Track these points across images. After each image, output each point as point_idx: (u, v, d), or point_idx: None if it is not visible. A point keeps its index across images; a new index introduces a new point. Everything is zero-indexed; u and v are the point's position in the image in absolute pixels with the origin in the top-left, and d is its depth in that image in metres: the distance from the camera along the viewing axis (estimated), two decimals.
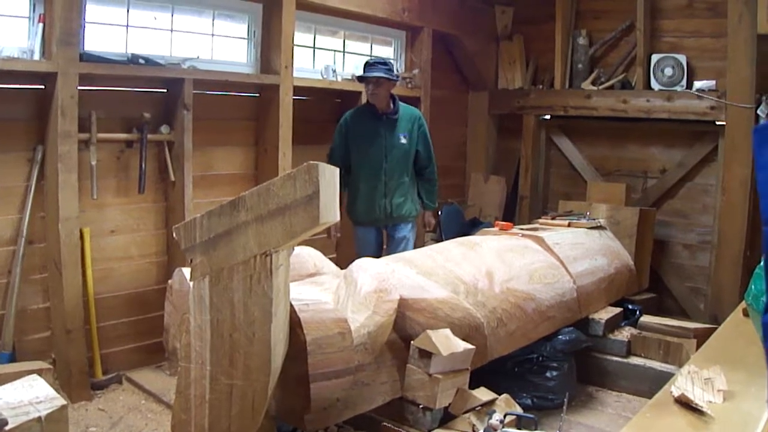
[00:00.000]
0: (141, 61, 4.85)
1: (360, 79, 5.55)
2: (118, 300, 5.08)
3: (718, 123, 6.46)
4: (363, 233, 5.74)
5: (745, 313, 4.21)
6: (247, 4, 5.69)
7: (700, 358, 3.51)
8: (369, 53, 6.96)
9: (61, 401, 2.95)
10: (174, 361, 3.42)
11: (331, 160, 5.41)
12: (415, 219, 5.83)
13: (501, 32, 7.97)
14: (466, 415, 3.53)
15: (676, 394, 2.94)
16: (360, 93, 6.12)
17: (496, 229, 5.71)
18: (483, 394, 3.66)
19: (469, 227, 7.19)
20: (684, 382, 3.07)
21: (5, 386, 2.99)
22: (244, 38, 5.80)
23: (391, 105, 5.58)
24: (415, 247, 5.57)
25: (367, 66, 5.50)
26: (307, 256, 4.17)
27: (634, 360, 5.03)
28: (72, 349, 4.56)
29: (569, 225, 5.90)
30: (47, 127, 4.52)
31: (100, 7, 4.89)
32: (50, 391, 3.00)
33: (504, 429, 3.31)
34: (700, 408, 2.83)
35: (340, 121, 5.65)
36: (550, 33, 7.46)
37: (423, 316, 3.69)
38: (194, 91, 5.08)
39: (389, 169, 5.54)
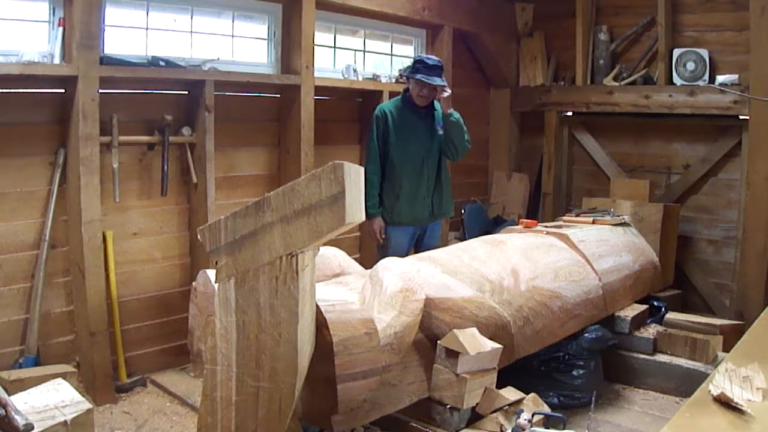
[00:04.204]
0: (161, 63, 4.86)
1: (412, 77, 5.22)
2: (141, 303, 5.09)
3: (741, 117, 6.39)
4: (399, 235, 5.40)
5: None
6: (267, 5, 5.67)
7: (736, 356, 3.44)
8: (389, 52, 6.95)
9: (86, 405, 2.94)
10: (199, 363, 3.41)
11: (370, 155, 5.28)
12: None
13: (521, 29, 7.94)
14: (494, 414, 3.50)
15: (714, 393, 2.89)
16: (381, 92, 6.08)
17: (520, 226, 5.66)
18: (510, 394, 3.63)
19: (492, 225, 7.18)
20: (722, 381, 3.01)
21: (31, 390, 2.98)
22: (264, 39, 5.79)
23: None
24: (440, 246, 5.47)
25: (425, 67, 5.11)
26: (331, 256, 4.16)
27: (661, 357, 4.97)
28: (96, 352, 4.57)
29: (593, 222, 5.84)
30: (69, 131, 4.52)
31: (120, 10, 4.90)
32: (75, 395, 3.00)
33: (532, 428, 3.27)
34: (739, 407, 2.78)
35: (377, 113, 5.31)
36: (570, 29, 7.42)
37: (449, 315, 3.66)
38: (215, 93, 5.07)
39: (431, 164, 5.36)
